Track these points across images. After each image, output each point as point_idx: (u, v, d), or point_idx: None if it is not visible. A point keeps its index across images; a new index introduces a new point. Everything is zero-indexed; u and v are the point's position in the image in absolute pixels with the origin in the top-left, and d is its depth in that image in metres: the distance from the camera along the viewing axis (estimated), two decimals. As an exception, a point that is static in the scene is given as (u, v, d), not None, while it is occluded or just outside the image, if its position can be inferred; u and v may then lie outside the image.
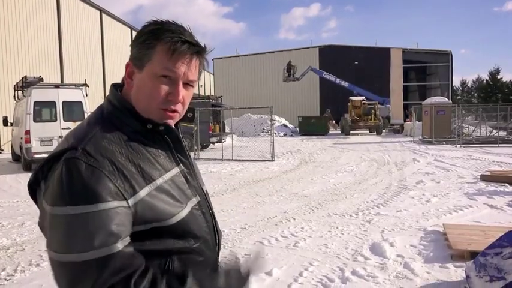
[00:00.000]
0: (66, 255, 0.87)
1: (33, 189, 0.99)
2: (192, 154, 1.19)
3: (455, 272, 3.99)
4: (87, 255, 0.86)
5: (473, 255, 3.97)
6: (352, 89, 32.32)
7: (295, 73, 33.38)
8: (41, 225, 0.99)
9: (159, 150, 1.05)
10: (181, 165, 1.09)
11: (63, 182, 0.88)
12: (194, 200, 1.08)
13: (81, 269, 0.86)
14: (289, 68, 33.32)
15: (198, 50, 1.04)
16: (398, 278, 3.89)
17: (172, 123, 1.07)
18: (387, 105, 32.23)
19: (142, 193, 0.95)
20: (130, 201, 0.92)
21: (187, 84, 1.05)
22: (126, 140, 1.00)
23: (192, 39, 1.03)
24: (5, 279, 4.08)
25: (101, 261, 0.86)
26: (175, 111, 1.05)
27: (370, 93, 32.76)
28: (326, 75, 33.19)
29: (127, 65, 1.06)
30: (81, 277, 0.86)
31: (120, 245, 0.89)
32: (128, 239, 0.92)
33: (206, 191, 1.21)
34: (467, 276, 3.45)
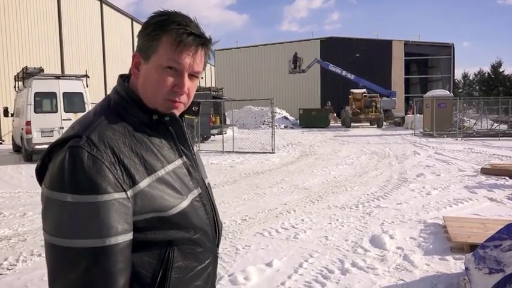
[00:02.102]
0: (57, 239, 0.89)
1: (41, 175, 1.00)
2: (194, 146, 1.20)
3: (455, 264, 4.01)
4: (79, 242, 0.87)
5: (472, 247, 3.99)
6: (358, 82, 32.11)
7: (301, 65, 33.27)
8: None
9: (163, 142, 1.07)
10: (183, 157, 1.10)
11: (65, 169, 0.90)
12: (195, 192, 1.09)
13: (70, 256, 0.88)
14: (296, 60, 33.20)
15: (204, 42, 1.05)
16: (398, 270, 3.91)
17: (177, 113, 1.08)
18: (393, 98, 32.15)
19: (143, 184, 0.96)
20: (129, 193, 0.93)
21: (193, 75, 1.06)
22: (131, 131, 1.01)
23: (198, 30, 1.04)
24: (7, 269, 4.11)
25: (92, 251, 0.88)
26: (180, 102, 1.06)
27: (376, 85, 32.64)
28: (332, 67, 33.00)
29: (134, 56, 1.07)
30: (68, 263, 0.88)
31: (114, 240, 0.89)
32: (125, 236, 0.92)
33: (208, 183, 1.22)
34: (467, 269, 3.46)
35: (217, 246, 1.20)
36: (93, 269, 0.88)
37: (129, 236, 0.93)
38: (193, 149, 1.16)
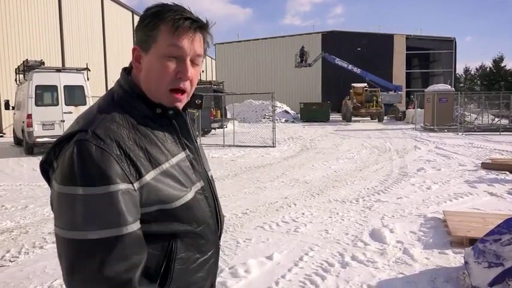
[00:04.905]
0: (73, 232, 0.89)
1: (45, 169, 1.01)
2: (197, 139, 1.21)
3: (454, 258, 4.03)
4: (95, 234, 0.88)
5: (472, 242, 4.01)
6: (365, 76, 31.96)
7: (307, 59, 33.19)
8: (52, 203, 1.01)
9: (166, 135, 1.07)
10: (187, 150, 1.11)
11: (74, 162, 0.91)
12: (198, 185, 1.10)
13: (86, 248, 0.88)
14: (302, 53, 33.11)
15: (201, 25, 1.06)
16: (398, 264, 3.93)
17: (181, 106, 1.08)
18: (399, 92, 32.16)
19: (148, 177, 0.97)
20: (136, 185, 0.95)
21: (194, 62, 1.07)
22: (135, 125, 1.02)
23: (193, 16, 1.05)
24: (10, 261, 4.13)
25: (108, 241, 0.89)
26: (184, 90, 1.07)
27: (383, 80, 32.58)
28: (338, 61, 32.82)
29: (134, 49, 1.07)
30: (85, 256, 0.89)
31: (128, 229, 0.91)
32: (137, 224, 0.94)
33: (211, 176, 1.23)
34: (466, 263, 3.48)
35: (219, 238, 1.21)
36: (112, 259, 0.89)
37: (139, 224, 0.95)
38: (196, 142, 1.17)
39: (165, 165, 1.02)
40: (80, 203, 0.89)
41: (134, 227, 0.93)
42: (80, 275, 0.89)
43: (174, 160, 1.05)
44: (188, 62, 1.04)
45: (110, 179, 0.90)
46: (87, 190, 0.89)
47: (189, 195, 1.05)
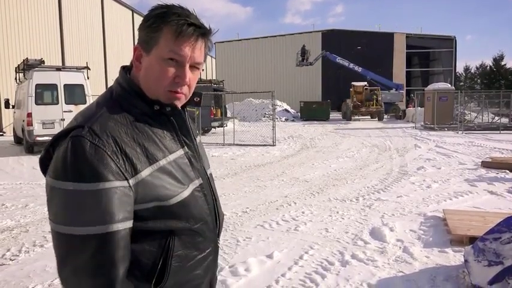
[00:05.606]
0: (61, 227, 0.92)
1: (45, 165, 1.02)
2: (197, 138, 1.22)
3: (454, 256, 4.04)
4: (82, 229, 0.90)
5: (472, 240, 4.01)
6: (366, 74, 31.96)
7: (308, 58, 33.23)
8: None
9: (165, 132, 1.08)
10: (185, 147, 1.12)
11: (67, 158, 0.92)
12: (196, 182, 1.11)
13: (75, 243, 0.91)
14: (303, 52, 33.16)
15: (204, 32, 1.06)
16: (398, 262, 3.94)
17: (178, 104, 1.09)
18: (401, 91, 32.20)
19: (144, 173, 0.98)
20: (131, 181, 0.95)
21: (194, 66, 1.07)
22: (133, 121, 1.03)
23: (197, 21, 1.05)
24: (10, 259, 4.14)
25: (94, 238, 0.90)
26: (181, 93, 1.07)
27: (384, 78, 32.57)
28: (340, 60, 32.83)
29: (135, 48, 1.08)
30: (73, 250, 0.91)
31: (115, 227, 0.92)
32: (126, 224, 0.95)
33: (210, 174, 1.23)
34: (466, 261, 3.49)
35: (218, 236, 1.21)
36: (97, 255, 0.91)
37: (129, 224, 0.96)
38: (195, 139, 1.17)
39: (162, 162, 1.02)
40: (70, 199, 0.91)
41: (122, 226, 0.93)
42: (70, 268, 0.92)
43: (171, 157, 1.06)
44: (187, 68, 1.05)
45: (100, 176, 0.91)
46: (77, 186, 0.90)
47: (186, 193, 1.06)
